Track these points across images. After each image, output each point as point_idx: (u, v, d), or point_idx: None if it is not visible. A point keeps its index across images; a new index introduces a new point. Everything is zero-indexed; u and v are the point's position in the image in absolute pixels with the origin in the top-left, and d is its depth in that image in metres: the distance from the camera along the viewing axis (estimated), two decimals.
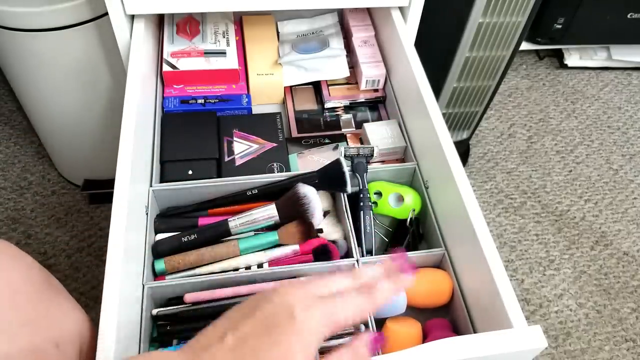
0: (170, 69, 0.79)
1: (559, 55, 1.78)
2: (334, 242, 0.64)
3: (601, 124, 1.62)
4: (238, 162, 0.73)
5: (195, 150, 0.72)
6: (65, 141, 1.19)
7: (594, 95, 1.70)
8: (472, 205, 0.57)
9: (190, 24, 0.85)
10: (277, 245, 0.62)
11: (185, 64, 0.80)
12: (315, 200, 0.62)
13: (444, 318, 0.63)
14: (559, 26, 1.58)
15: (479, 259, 0.54)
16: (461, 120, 1.28)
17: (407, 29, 0.80)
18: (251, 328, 0.36)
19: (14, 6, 0.88)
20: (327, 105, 0.84)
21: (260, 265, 0.61)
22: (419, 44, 0.78)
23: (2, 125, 1.45)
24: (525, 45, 1.67)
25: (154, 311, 0.57)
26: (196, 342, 0.37)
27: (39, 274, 0.52)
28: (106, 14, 0.76)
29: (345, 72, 0.86)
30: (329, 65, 0.85)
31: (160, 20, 0.87)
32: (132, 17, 0.76)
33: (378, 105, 0.86)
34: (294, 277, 0.60)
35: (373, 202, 0.69)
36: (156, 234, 0.64)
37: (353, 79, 0.88)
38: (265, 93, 0.84)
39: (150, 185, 0.66)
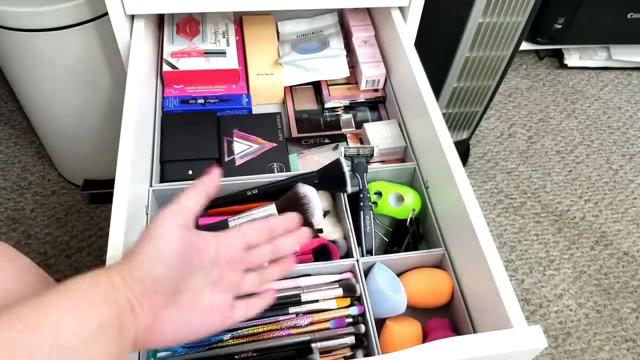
0: (170, 69, 0.79)
1: (559, 55, 1.78)
2: (334, 242, 0.65)
3: (601, 124, 1.62)
4: (238, 162, 0.73)
5: (195, 150, 0.72)
6: (65, 141, 1.19)
7: (594, 95, 1.70)
8: (472, 205, 0.57)
9: (190, 24, 0.85)
10: None
11: (185, 64, 0.80)
12: (315, 200, 0.62)
13: (444, 318, 0.63)
14: (559, 26, 1.58)
15: (479, 259, 0.54)
16: (461, 120, 1.28)
17: (407, 29, 0.80)
18: None
19: (14, 6, 0.88)
20: (327, 105, 0.84)
21: None
22: (419, 44, 0.78)
23: (2, 125, 1.45)
24: (525, 45, 1.67)
25: None
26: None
27: (36, 275, 0.52)
28: (106, 14, 0.76)
29: (345, 72, 0.86)
30: (329, 65, 0.85)
31: (160, 20, 0.87)
32: (132, 17, 0.75)
33: (378, 105, 0.86)
34: (294, 277, 0.60)
35: (373, 202, 0.69)
36: None
37: (353, 79, 0.88)
38: (265, 93, 0.84)
39: (150, 185, 0.66)
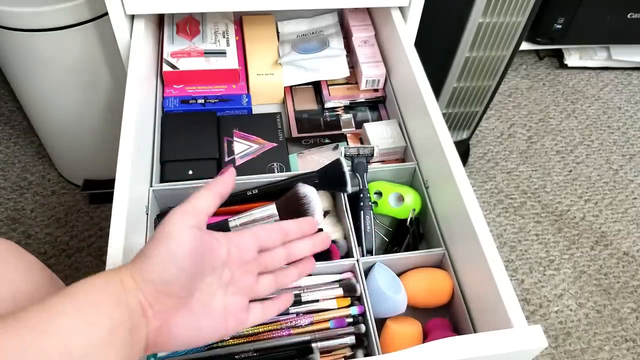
0: (170, 69, 0.79)
1: (559, 55, 1.78)
2: (334, 242, 0.64)
3: (601, 124, 1.62)
4: (238, 162, 0.73)
5: (196, 150, 0.72)
6: (65, 141, 1.19)
7: (594, 95, 1.70)
8: (472, 205, 0.57)
9: (190, 24, 0.85)
10: None
11: (185, 64, 0.80)
12: (316, 200, 0.61)
13: (444, 318, 0.63)
14: (559, 26, 1.58)
15: (479, 259, 0.54)
16: (461, 120, 1.28)
17: (407, 29, 0.80)
18: None
19: (14, 6, 0.88)
20: (327, 105, 0.84)
21: None
22: (419, 44, 0.78)
23: (2, 125, 1.45)
24: (525, 45, 1.67)
25: None
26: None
27: (41, 273, 0.52)
28: (106, 14, 0.76)
29: (345, 72, 0.86)
30: (329, 65, 0.85)
31: (160, 20, 0.87)
32: (132, 17, 0.75)
33: (378, 105, 0.86)
34: None
35: (373, 202, 0.69)
36: None
37: (353, 79, 0.88)
38: (265, 93, 0.84)
39: (151, 185, 0.66)
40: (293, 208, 0.62)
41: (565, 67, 1.76)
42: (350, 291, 0.59)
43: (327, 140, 0.78)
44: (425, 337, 0.60)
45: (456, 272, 0.62)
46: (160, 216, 0.66)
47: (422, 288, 0.62)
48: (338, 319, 0.57)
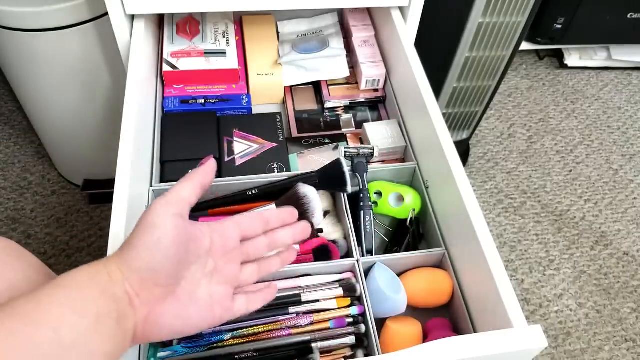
0: (170, 69, 0.79)
1: (559, 55, 1.78)
2: (334, 242, 0.64)
3: (601, 124, 1.62)
4: (238, 162, 0.73)
5: (195, 150, 0.72)
6: (65, 141, 1.19)
7: (594, 95, 1.70)
8: (472, 204, 0.57)
9: (190, 24, 0.85)
10: None
11: (185, 64, 0.80)
12: (316, 200, 0.62)
13: (444, 318, 0.63)
14: (559, 26, 1.58)
15: (479, 259, 0.54)
16: (461, 120, 1.28)
17: (407, 29, 0.80)
18: None
19: (14, 6, 0.88)
20: (327, 105, 0.84)
21: None
22: (419, 44, 0.78)
23: (2, 125, 1.45)
24: (525, 45, 1.68)
25: None
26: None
27: (40, 273, 0.52)
28: (106, 14, 0.76)
29: (345, 72, 0.86)
30: (329, 65, 0.85)
31: (160, 20, 0.87)
32: (132, 17, 0.75)
33: (378, 105, 0.86)
34: (294, 277, 0.60)
35: (373, 202, 0.69)
36: None
37: (353, 79, 0.88)
38: (265, 93, 0.84)
39: (151, 185, 0.66)
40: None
41: (565, 67, 1.76)
42: (350, 291, 0.59)
43: (327, 140, 0.78)
44: (425, 337, 0.60)
45: (456, 272, 0.62)
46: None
47: (422, 288, 0.62)
48: (338, 319, 0.57)
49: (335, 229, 0.66)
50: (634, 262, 1.31)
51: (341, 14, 0.94)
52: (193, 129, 0.74)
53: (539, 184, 1.45)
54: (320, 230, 0.65)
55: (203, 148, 0.73)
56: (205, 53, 0.81)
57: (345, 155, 0.70)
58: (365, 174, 0.69)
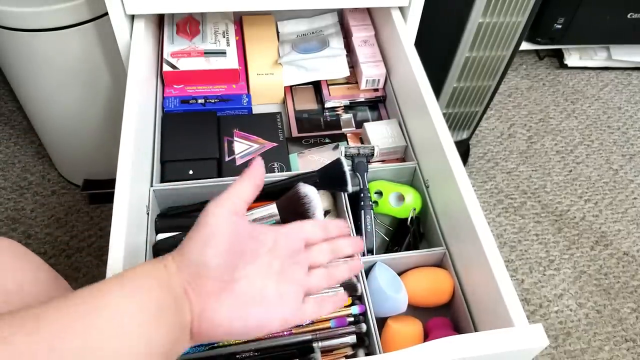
0: (170, 69, 0.79)
1: (559, 55, 1.78)
2: None
3: (601, 124, 1.62)
4: (238, 162, 0.73)
5: (196, 150, 0.72)
6: (65, 141, 1.19)
7: (594, 95, 1.70)
8: (472, 204, 0.57)
9: (190, 24, 0.85)
10: None
11: (185, 64, 0.80)
12: (316, 199, 0.61)
13: (445, 317, 0.63)
14: (559, 26, 1.58)
15: (480, 258, 0.54)
16: (461, 120, 1.28)
17: (407, 29, 0.80)
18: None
19: (14, 6, 0.88)
20: (327, 104, 0.84)
21: None
22: (419, 44, 0.78)
23: (2, 125, 1.45)
24: (525, 45, 1.68)
25: None
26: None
27: (47, 274, 0.52)
28: (106, 14, 0.76)
29: (345, 72, 0.86)
30: (329, 65, 0.85)
31: (160, 20, 0.87)
32: (132, 17, 0.75)
33: (378, 104, 0.86)
34: None
35: (374, 202, 0.69)
36: (157, 233, 0.64)
37: (353, 79, 0.88)
38: (266, 93, 0.84)
39: (151, 185, 0.66)
40: (294, 208, 0.62)
41: (565, 67, 1.76)
42: (351, 290, 0.59)
43: (327, 140, 0.78)
44: (426, 336, 0.60)
45: (457, 272, 0.62)
46: (161, 216, 0.66)
47: (423, 287, 0.62)
48: (339, 318, 0.57)
49: None
50: (634, 262, 1.31)
51: (341, 14, 0.95)
52: (193, 129, 0.74)
53: (539, 184, 1.45)
54: None
55: (203, 148, 0.73)
56: (205, 53, 0.81)
57: (345, 155, 0.70)
58: (365, 174, 0.69)
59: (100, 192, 1.27)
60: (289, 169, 0.73)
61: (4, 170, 1.35)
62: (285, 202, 0.62)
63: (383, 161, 0.77)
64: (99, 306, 0.34)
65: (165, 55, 0.80)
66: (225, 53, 0.82)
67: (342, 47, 0.88)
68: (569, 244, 1.33)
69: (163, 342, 0.36)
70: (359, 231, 0.65)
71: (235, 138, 0.75)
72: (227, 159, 0.73)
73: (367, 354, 0.57)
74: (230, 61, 0.81)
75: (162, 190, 0.66)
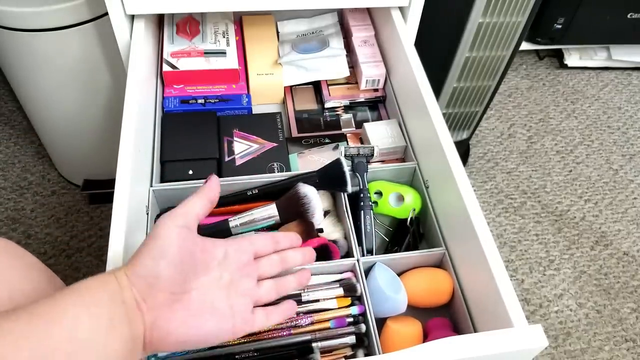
0: (170, 69, 0.79)
1: (559, 55, 1.78)
2: (334, 241, 0.64)
3: (601, 124, 1.62)
4: (238, 162, 0.73)
5: (196, 150, 0.72)
6: (65, 141, 1.19)
7: (594, 95, 1.70)
8: (472, 204, 0.57)
9: (190, 24, 0.85)
10: None
11: (185, 64, 0.80)
12: (316, 200, 0.62)
13: (445, 317, 0.63)
14: (559, 26, 1.58)
15: (480, 258, 0.54)
16: (461, 120, 1.28)
17: (407, 29, 0.80)
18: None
19: (14, 6, 0.88)
20: (327, 105, 0.84)
21: None
22: (419, 44, 0.78)
23: (2, 125, 1.45)
24: (525, 45, 1.68)
25: None
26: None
27: (40, 273, 0.52)
28: (106, 14, 0.76)
29: (345, 72, 0.86)
30: (329, 65, 0.85)
31: (160, 20, 0.87)
32: (132, 17, 0.75)
33: (378, 105, 0.86)
34: None
35: (373, 202, 0.69)
36: None
37: (353, 79, 0.88)
38: (265, 93, 0.84)
39: (151, 185, 0.66)
40: (293, 208, 0.62)
41: (565, 67, 1.76)
42: (350, 291, 0.59)
43: (327, 140, 0.78)
44: (426, 337, 0.60)
45: (456, 272, 0.62)
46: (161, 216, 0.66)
47: (423, 288, 0.62)
48: (338, 318, 0.57)
49: (336, 229, 0.66)
50: (634, 262, 1.31)
51: (341, 14, 0.94)
52: (193, 129, 0.74)
53: (539, 184, 1.45)
54: (321, 230, 0.65)
55: (203, 148, 0.73)
56: (205, 53, 0.81)
57: (345, 155, 0.70)
58: (365, 174, 0.69)
59: (100, 192, 1.27)
60: (288, 169, 0.73)
61: (4, 170, 1.35)
62: (285, 203, 0.62)
63: (383, 161, 0.77)
64: (56, 319, 0.35)
65: (165, 55, 0.80)
66: (225, 53, 0.82)
67: (342, 47, 0.88)
68: (569, 244, 1.33)
69: (117, 353, 0.37)
70: (358, 231, 0.65)
71: (235, 138, 0.75)
72: (227, 159, 0.73)
73: (366, 355, 0.57)
74: (230, 61, 0.81)
75: (161, 190, 0.66)
